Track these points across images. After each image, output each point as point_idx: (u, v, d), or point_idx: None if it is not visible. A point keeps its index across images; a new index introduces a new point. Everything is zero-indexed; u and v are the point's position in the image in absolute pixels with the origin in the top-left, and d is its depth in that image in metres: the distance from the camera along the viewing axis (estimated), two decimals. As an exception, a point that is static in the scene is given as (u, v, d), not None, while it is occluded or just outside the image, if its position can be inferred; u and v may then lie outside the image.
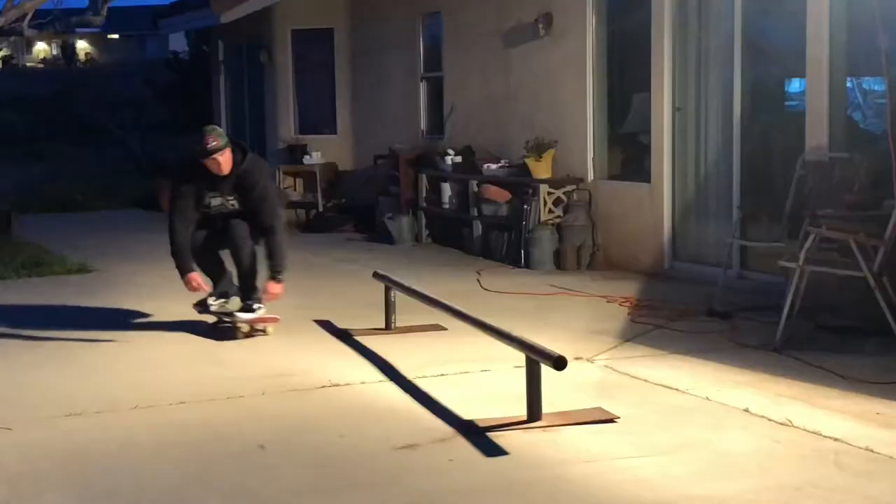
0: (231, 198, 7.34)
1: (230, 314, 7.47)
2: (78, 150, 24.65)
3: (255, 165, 7.37)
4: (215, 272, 7.58)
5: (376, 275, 7.76)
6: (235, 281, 7.60)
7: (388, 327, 7.45)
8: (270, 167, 15.08)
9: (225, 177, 7.26)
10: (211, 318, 7.57)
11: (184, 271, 7.25)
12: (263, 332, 7.45)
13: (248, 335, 7.38)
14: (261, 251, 7.38)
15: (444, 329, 7.32)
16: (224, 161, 7.19)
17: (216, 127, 7.45)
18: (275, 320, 7.50)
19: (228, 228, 7.34)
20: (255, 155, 7.57)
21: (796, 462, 4.66)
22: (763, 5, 8.84)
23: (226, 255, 7.59)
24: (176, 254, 7.27)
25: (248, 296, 7.44)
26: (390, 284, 7.47)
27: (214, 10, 14.30)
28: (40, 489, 4.54)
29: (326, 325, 7.67)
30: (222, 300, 7.55)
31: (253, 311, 7.38)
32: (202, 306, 7.53)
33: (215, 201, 7.34)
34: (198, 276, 7.28)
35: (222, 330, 7.47)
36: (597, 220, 10.16)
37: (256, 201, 7.30)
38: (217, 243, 7.49)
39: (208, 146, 7.09)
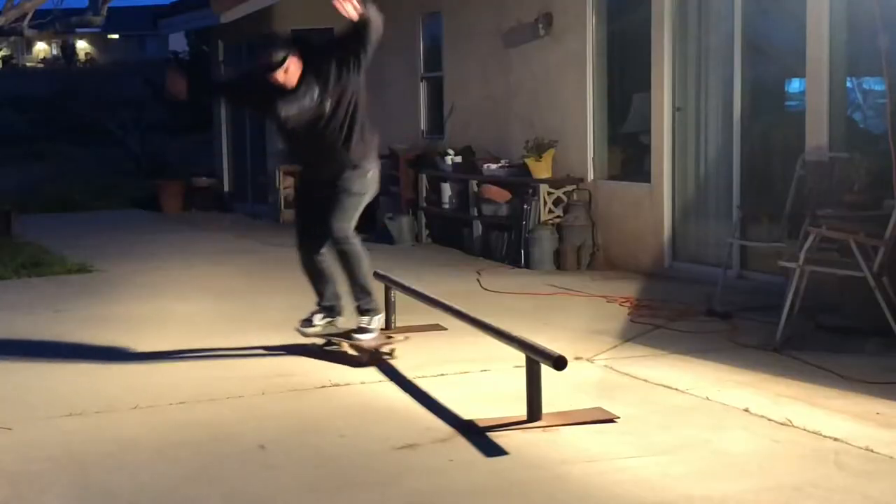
0: (317, 92, 6.29)
1: (340, 335, 6.71)
2: (78, 150, 24.69)
3: (314, 44, 6.48)
4: (319, 281, 6.70)
5: (376, 275, 7.72)
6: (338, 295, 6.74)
7: (388, 327, 7.44)
8: (270, 167, 15.15)
9: (296, 87, 6.27)
10: (319, 340, 6.83)
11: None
12: (390, 355, 6.57)
13: (374, 359, 6.47)
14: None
15: (444, 329, 7.32)
16: (291, 74, 6.23)
17: (275, 34, 6.30)
18: (403, 340, 6.83)
19: (327, 222, 6.39)
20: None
21: (796, 462, 4.65)
22: (763, 5, 8.84)
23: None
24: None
25: (361, 308, 6.61)
26: (390, 284, 7.46)
27: (214, 10, 14.31)
28: (40, 489, 4.54)
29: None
30: (328, 319, 6.71)
31: (370, 331, 6.57)
32: (306, 324, 6.70)
33: (292, 110, 6.27)
34: (180, 79, 6.50)
35: (339, 356, 6.66)
36: (597, 220, 10.16)
37: (339, 41, 6.56)
38: (319, 231, 6.49)
39: (272, 61, 6.12)
